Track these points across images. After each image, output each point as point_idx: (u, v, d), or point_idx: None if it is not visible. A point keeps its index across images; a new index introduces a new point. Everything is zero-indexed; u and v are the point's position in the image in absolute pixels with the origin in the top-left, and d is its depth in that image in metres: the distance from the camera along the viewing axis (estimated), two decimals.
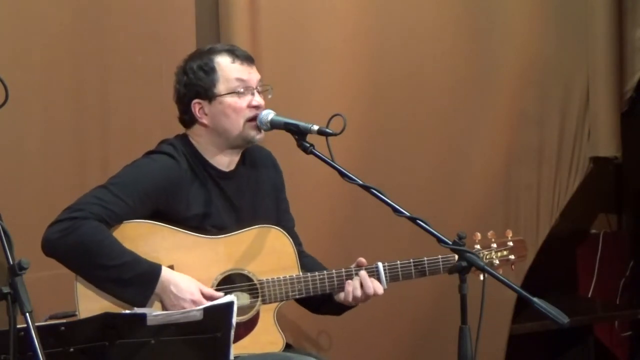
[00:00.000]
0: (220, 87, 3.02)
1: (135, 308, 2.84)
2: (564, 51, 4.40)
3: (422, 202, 3.86)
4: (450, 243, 2.75)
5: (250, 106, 3.01)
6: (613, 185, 5.15)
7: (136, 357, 2.39)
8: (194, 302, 2.86)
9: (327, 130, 2.87)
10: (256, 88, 3.04)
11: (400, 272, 3.05)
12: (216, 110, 3.02)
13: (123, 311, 2.83)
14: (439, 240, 2.76)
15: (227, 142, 3.04)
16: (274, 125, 2.99)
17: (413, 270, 3.05)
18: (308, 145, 2.92)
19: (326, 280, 3.01)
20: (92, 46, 3.61)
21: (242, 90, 3.01)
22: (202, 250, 2.96)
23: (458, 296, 2.72)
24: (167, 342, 2.42)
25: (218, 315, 2.48)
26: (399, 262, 3.05)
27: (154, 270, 2.87)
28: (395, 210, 2.80)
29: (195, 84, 3.03)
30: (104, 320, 2.35)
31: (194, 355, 2.46)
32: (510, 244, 3.16)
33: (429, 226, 2.78)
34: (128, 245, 2.87)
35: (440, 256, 3.04)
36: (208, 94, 3.02)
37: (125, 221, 2.90)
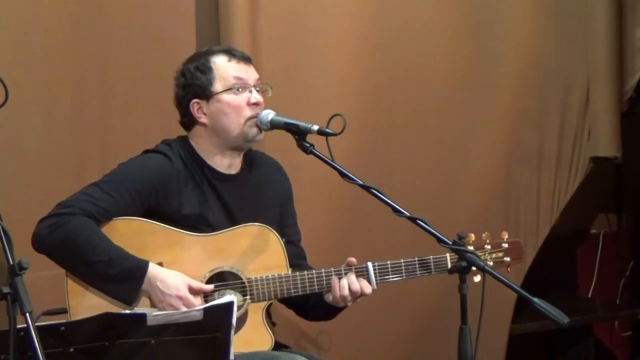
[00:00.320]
0: (217, 85, 3.02)
1: (122, 307, 2.85)
2: (564, 51, 4.40)
3: (422, 202, 3.87)
4: (450, 243, 2.75)
5: (249, 104, 3.02)
6: (613, 185, 5.15)
7: (136, 357, 2.39)
8: (180, 298, 2.86)
9: (327, 130, 2.86)
10: (254, 87, 3.04)
11: (390, 272, 3.03)
12: (215, 108, 3.02)
13: (113, 307, 2.86)
14: (439, 240, 2.76)
15: (227, 142, 3.04)
16: (274, 125, 3.00)
17: (404, 271, 3.03)
18: (308, 145, 2.92)
19: (315, 279, 3.00)
20: (92, 46, 3.61)
21: (239, 87, 3.01)
22: (192, 248, 2.96)
23: (458, 296, 2.72)
24: (167, 342, 2.42)
25: (218, 315, 2.48)
26: (389, 262, 3.02)
27: (140, 266, 2.87)
28: (395, 210, 2.80)
29: (192, 84, 3.04)
30: (104, 320, 2.35)
31: (194, 355, 2.46)
32: (505, 245, 3.12)
33: (429, 226, 2.78)
34: (118, 242, 2.88)
35: (431, 256, 3.02)
36: (205, 93, 3.02)
37: (116, 218, 2.91)
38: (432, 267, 3.03)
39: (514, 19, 4.29)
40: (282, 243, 3.01)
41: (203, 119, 3.04)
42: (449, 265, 2.98)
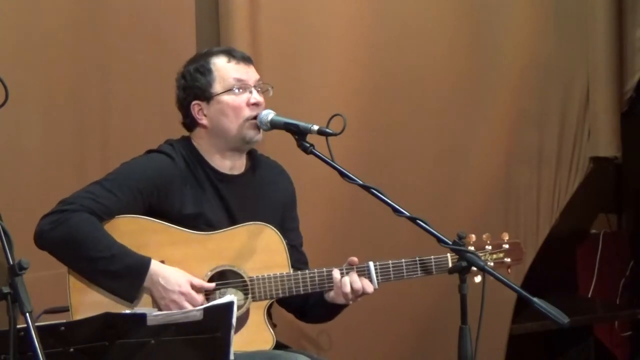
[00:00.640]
0: (217, 87, 3.03)
1: (124, 304, 2.86)
2: (564, 51, 4.40)
3: (422, 202, 3.86)
4: (450, 243, 2.75)
5: (249, 104, 3.02)
6: (613, 185, 5.16)
7: (136, 357, 2.39)
8: (183, 294, 2.87)
9: (327, 130, 2.87)
10: (255, 87, 3.05)
11: (391, 272, 3.03)
12: (215, 110, 3.03)
13: (115, 304, 2.86)
14: (439, 240, 2.76)
15: (227, 143, 3.04)
16: (273, 125, 3.00)
17: (405, 270, 3.03)
18: (308, 145, 2.92)
19: (316, 278, 3.00)
20: (92, 46, 3.61)
21: (238, 88, 3.02)
22: (194, 247, 2.96)
23: (458, 296, 2.72)
24: (167, 342, 2.42)
25: (218, 315, 2.48)
26: (390, 261, 3.03)
27: (142, 263, 2.88)
28: (395, 210, 2.80)
29: (192, 86, 3.04)
30: (104, 320, 2.35)
31: (194, 355, 2.46)
32: (506, 246, 3.13)
33: (428, 226, 2.78)
34: (120, 239, 2.88)
35: (432, 256, 3.03)
36: (205, 95, 3.03)
37: (118, 216, 2.92)
38: (434, 267, 3.03)
39: (514, 19, 4.29)
40: (284, 242, 3.01)
41: (204, 121, 3.04)
42: (450, 266, 2.98)
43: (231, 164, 3.08)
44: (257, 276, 2.98)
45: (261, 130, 3.03)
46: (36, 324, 2.18)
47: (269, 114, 3.01)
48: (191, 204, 2.99)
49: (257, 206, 3.09)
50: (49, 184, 3.53)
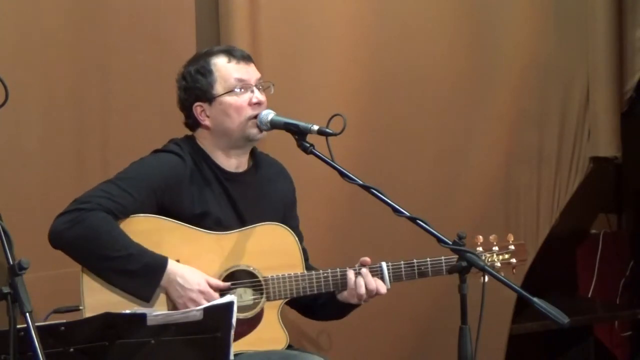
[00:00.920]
0: (218, 88, 3.03)
1: (138, 304, 2.86)
2: (564, 51, 4.40)
3: (422, 202, 3.86)
4: (450, 243, 2.75)
5: (251, 104, 3.02)
6: (613, 185, 5.15)
7: (136, 357, 2.39)
8: (202, 292, 2.88)
9: (327, 130, 2.87)
10: (256, 86, 3.05)
11: (403, 273, 3.05)
12: (217, 111, 3.03)
13: (129, 304, 2.87)
14: (439, 240, 2.76)
15: (230, 142, 3.05)
16: (274, 125, 3.00)
17: (416, 271, 3.06)
18: (308, 145, 2.92)
19: (330, 278, 3.02)
20: (92, 46, 3.61)
21: (240, 88, 3.02)
22: (208, 246, 2.97)
23: (458, 296, 2.72)
24: (167, 342, 2.42)
25: (218, 315, 2.48)
26: (402, 262, 3.05)
27: (160, 262, 2.88)
28: (395, 210, 2.80)
29: (193, 88, 3.04)
30: (104, 320, 2.35)
31: (194, 355, 2.46)
32: (512, 247, 3.17)
33: (429, 226, 2.78)
34: (135, 238, 2.88)
35: (443, 257, 3.05)
36: (207, 96, 3.03)
37: (132, 215, 2.92)
38: (444, 268, 3.05)
39: (514, 19, 4.29)
40: (298, 243, 3.03)
41: (206, 122, 3.05)
42: None
43: (237, 162, 3.09)
44: (272, 276, 2.99)
45: (262, 130, 3.03)
46: (36, 324, 2.18)
47: (269, 114, 3.01)
48: (200, 203, 3.00)
49: (262, 204, 3.11)
50: (49, 184, 3.53)
